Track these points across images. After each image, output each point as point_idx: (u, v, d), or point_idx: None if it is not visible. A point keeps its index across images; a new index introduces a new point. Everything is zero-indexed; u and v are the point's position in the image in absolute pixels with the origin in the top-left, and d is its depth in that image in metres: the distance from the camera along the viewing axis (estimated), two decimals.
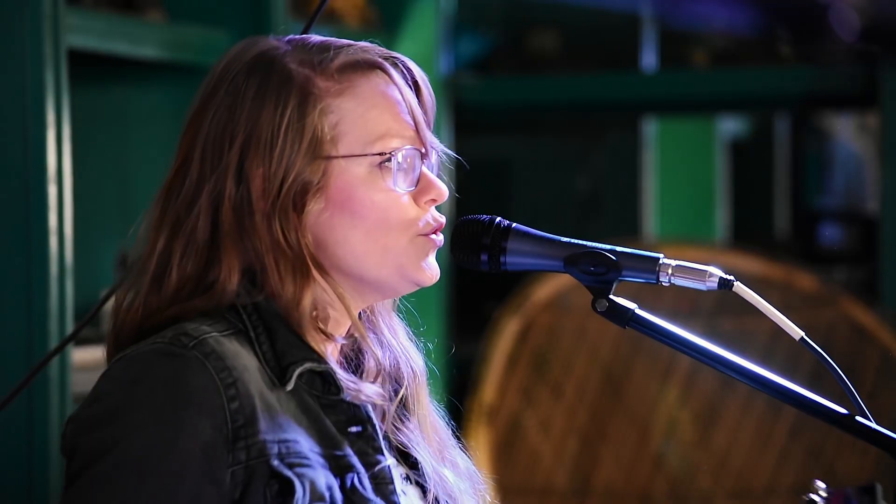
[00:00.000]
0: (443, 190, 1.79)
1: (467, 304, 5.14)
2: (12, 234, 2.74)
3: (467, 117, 5.03)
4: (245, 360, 1.69)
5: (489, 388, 4.54)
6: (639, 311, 1.75)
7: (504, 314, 4.60)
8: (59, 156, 2.76)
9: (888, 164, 4.70)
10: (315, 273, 1.74)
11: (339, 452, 1.70)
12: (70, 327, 2.76)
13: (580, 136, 6.12)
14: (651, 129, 6.23)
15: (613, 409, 4.54)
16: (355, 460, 1.70)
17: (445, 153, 1.84)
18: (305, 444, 1.68)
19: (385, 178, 1.75)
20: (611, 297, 1.76)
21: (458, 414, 4.68)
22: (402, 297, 1.87)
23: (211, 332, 1.69)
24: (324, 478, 1.67)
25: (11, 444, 2.76)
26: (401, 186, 1.76)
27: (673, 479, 4.49)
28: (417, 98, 1.81)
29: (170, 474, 1.62)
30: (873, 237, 5.34)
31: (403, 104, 1.78)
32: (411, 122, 1.78)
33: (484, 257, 1.79)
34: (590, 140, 6.10)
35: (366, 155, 1.74)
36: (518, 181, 6.06)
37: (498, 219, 1.80)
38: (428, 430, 1.85)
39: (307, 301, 1.74)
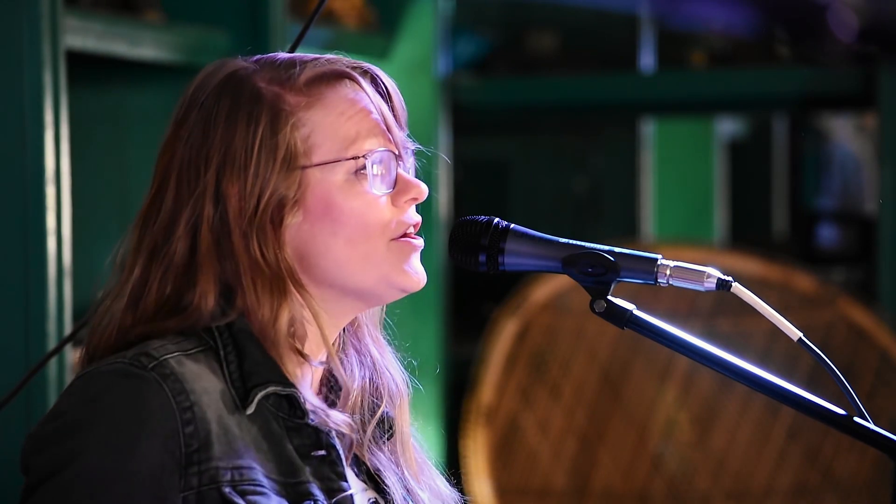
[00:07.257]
0: (422, 188, 1.79)
1: (465, 304, 5.14)
2: (10, 235, 2.74)
3: (465, 118, 5.03)
4: (206, 383, 1.68)
5: (487, 389, 4.54)
6: (637, 312, 1.75)
7: (502, 315, 4.59)
8: (57, 157, 2.75)
9: (886, 165, 4.70)
10: (293, 289, 1.73)
11: (296, 480, 1.69)
12: (68, 328, 2.75)
13: (578, 137, 6.12)
14: (649, 129, 6.23)
15: (612, 410, 4.54)
16: (314, 487, 1.69)
17: (422, 152, 1.84)
18: (261, 471, 1.67)
19: (362, 183, 1.75)
20: (609, 297, 1.75)
21: (457, 415, 4.69)
22: (397, 301, 1.85)
23: (174, 352, 1.69)
24: None
25: (9, 445, 2.75)
26: (378, 189, 1.76)
27: (671, 480, 4.49)
28: (389, 105, 1.80)
29: (119, 496, 1.62)
30: (871, 238, 5.34)
31: (373, 109, 1.78)
32: (382, 126, 1.78)
33: (482, 258, 1.79)
34: (588, 141, 6.10)
35: (340, 160, 1.74)
36: (516, 182, 6.06)
37: (496, 219, 1.80)
38: (409, 452, 1.84)
39: (284, 319, 1.73)
